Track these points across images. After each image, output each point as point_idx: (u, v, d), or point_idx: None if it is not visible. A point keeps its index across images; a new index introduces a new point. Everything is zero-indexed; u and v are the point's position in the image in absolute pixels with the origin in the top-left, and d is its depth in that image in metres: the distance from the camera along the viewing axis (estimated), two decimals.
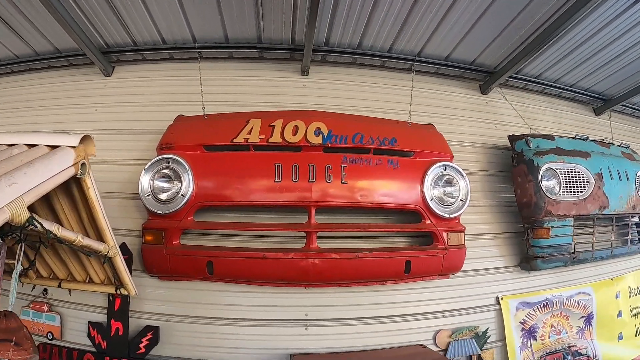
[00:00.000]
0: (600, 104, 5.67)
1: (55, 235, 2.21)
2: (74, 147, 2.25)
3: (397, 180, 3.72)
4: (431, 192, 3.76)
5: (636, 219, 5.23)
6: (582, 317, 4.84)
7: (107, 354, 3.71)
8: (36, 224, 1.96)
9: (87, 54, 4.16)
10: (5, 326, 2.35)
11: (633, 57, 4.73)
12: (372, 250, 3.63)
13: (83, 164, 2.31)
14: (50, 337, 3.86)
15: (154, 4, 3.66)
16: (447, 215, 3.80)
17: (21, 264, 2.56)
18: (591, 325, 4.91)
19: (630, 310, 5.38)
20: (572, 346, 4.68)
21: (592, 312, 4.92)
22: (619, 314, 5.23)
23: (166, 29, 4.05)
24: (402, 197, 3.71)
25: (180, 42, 4.28)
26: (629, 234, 5.12)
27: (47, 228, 2.09)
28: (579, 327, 4.82)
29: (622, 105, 5.80)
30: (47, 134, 2.31)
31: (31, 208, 1.91)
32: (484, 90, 4.82)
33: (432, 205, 3.74)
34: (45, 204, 2.71)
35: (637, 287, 5.57)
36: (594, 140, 4.99)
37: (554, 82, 5.17)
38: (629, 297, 5.41)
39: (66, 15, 3.60)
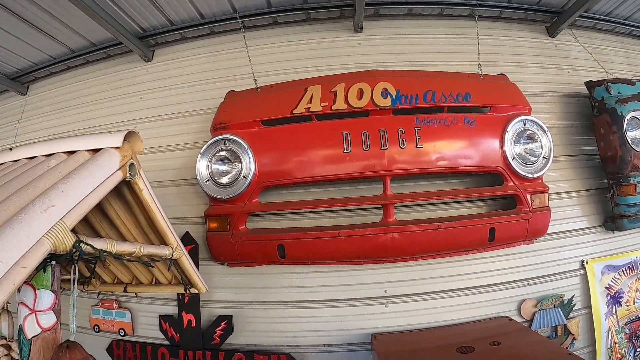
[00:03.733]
0: None
1: (110, 252, 2.02)
2: (118, 147, 2.02)
3: (476, 140, 3.42)
4: (512, 150, 3.46)
5: None
6: None
7: (181, 347, 3.66)
8: (84, 247, 1.74)
9: (124, 42, 4.04)
10: (69, 359, 2.02)
11: None
12: (454, 219, 3.39)
13: (132, 164, 2.08)
14: (123, 334, 3.82)
15: None
16: (530, 175, 3.50)
17: (81, 274, 2.37)
18: None
19: None
20: None
21: None
22: None
23: (203, 2, 3.83)
24: (482, 158, 3.42)
25: (219, 15, 4.03)
26: None
27: (99, 248, 1.90)
28: None
29: None
30: (86, 137, 2.10)
31: (81, 221, 1.71)
32: (551, 32, 4.41)
33: (514, 164, 3.45)
34: (98, 211, 2.52)
35: None
36: None
37: (625, 20, 4.70)
38: None
39: (95, 6, 3.47)
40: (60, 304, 2.03)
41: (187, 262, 2.95)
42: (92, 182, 1.80)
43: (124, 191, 2.38)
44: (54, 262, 1.96)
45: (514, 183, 3.49)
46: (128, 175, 2.06)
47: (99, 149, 2.01)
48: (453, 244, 3.43)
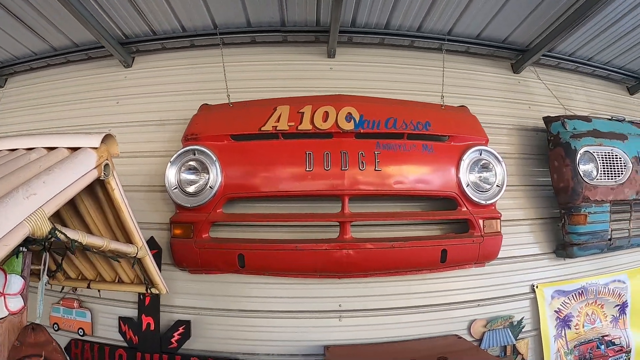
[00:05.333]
0: (635, 82, 5.51)
1: (80, 243, 2.16)
2: (95, 147, 2.18)
3: (432, 166, 3.65)
4: (467, 177, 3.69)
5: None
6: (617, 305, 4.77)
7: (139, 349, 3.74)
8: (59, 235, 1.89)
9: (106, 46, 4.14)
10: (34, 340, 2.23)
11: None
12: (407, 240, 3.59)
13: (106, 165, 2.24)
14: (82, 334, 3.90)
15: None
16: (483, 202, 3.73)
17: (48, 268, 2.52)
18: (625, 314, 4.83)
19: None
20: (606, 335, 4.63)
21: (626, 301, 4.84)
22: None
23: (185, 16, 3.99)
24: (437, 184, 3.64)
25: (200, 29, 4.21)
26: None
27: (71, 237, 2.03)
28: (613, 315, 4.75)
29: None
30: (66, 136, 2.26)
31: (54, 214, 1.86)
32: (516, 69, 4.70)
33: (468, 191, 3.68)
34: (70, 206, 2.65)
35: None
36: (630, 122, 4.85)
37: (587, 60, 5.02)
38: None
39: (81, 8, 3.57)
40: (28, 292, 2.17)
41: (150, 262, 3.09)
42: (70, 177, 1.97)
43: (97, 190, 2.54)
44: (25, 250, 2.10)
45: (467, 208, 3.71)
46: (102, 174, 2.21)
47: (78, 148, 2.17)
48: (406, 263, 3.63)
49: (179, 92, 4.23)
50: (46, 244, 1.96)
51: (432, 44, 4.38)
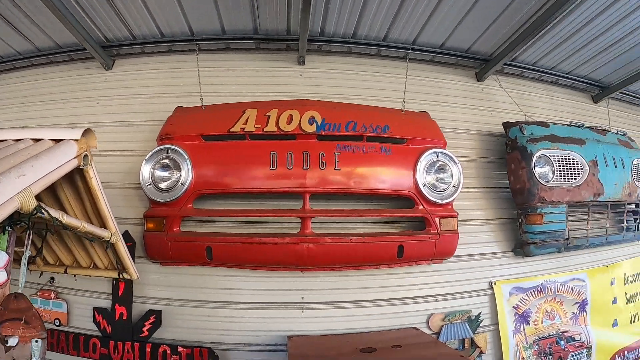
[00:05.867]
0: (599, 91, 5.83)
1: (60, 222, 2.46)
2: (76, 140, 2.51)
3: (390, 167, 3.94)
4: (424, 178, 3.97)
5: (632, 206, 5.39)
6: (576, 303, 5.05)
7: (112, 338, 3.98)
8: (43, 211, 2.21)
9: (88, 48, 4.38)
10: (16, 306, 2.54)
11: (631, 44, 4.86)
12: (365, 235, 3.87)
13: (85, 155, 2.58)
14: (58, 324, 4.13)
15: None
16: (439, 201, 4.01)
17: (29, 251, 2.81)
18: (585, 312, 5.12)
19: (626, 297, 5.59)
20: (566, 331, 4.91)
21: (586, 299, 5.13)
22: (614, 301, 5.44)
23: (164, 22, 4.27)
24: (394, 183, 3.93)
25: (178, 35, 4.49)
26: (625, 221, 5.32)
27: (53, 215, 2.35)
28: (573, 312, 5.03)
29: (621, 92, 5.95)
30: (51, 129, 2.60)
31: (38, 198, 2.16)
32: (479, 77, 5.00)
33: (425, 191, 3.95)
34: (51, 194, 2.98)
35: (633, 275, 5.77)
36: (590, 128, 5.16)
37: (550, 70, 5.33)
38: (625, 284, 5.61)
39: (65, 11, 3.80)
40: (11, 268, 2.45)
41: (122, 247, 3.43)
42: (54, 163, 2.32)
43: (76, 179, 2.88)
44: (11, 229, 2.37)
45: (424, 207, 3.99)
46: (82, 164, 2.55)
47: (61, 140, 2.49)
48: (364, 258, 3.91)
49: (156, 94, 4.50)
50: (30, 222, 2.30)
51: (397, 52, 4.69)
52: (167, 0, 3.89)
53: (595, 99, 5.86)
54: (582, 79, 5.62)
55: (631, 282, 5.71)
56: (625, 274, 5.63)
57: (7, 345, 2.34)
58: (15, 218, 2.29)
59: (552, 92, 5.47)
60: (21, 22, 4.17)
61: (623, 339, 5.37)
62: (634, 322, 5.58)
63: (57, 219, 2.41)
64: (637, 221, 5.45)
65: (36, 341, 2.49)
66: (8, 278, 2.41)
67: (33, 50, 4.72)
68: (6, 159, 2.15)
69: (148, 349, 3.92)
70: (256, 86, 4.46)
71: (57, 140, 2.49)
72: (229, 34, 4.47)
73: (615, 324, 5.36)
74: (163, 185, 3.88)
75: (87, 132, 2.58)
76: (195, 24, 4.31)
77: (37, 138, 2.51)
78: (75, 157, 2.48)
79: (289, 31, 4.38)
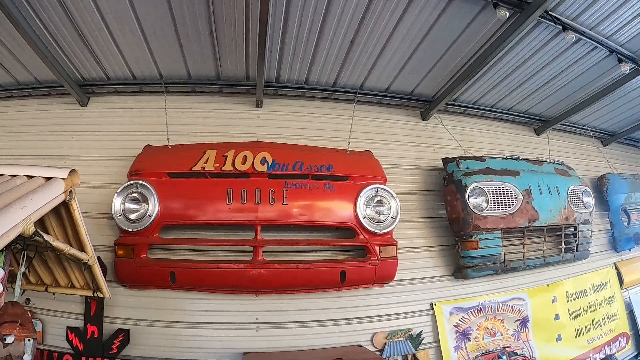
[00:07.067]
0: (541, 124, 6.55)
1: (51, 244, 3.09)
2: (64, 178, 3.12)
3: (333, 201, 4.63)
4: (364, 211, 4.63)
5: (571, 229, 6.06)
6: (517, 320, 5.71)
7: (84, 355, 4.50)
8: (41, 234, 2.85)
9: (65, 85, 4.91)
10: (13, 312, 3.30)
11: (565, 80, 5.63)
12: (310, 262, 4.53)
13: (70, 191, 3.20)
14: None
15: (124, 44, 4.48)
16: (378, 231, 4.68)
17: (24, 267, 3.41)
18: (527, 328, 5.78)
19: (569, 314, 6.27)
20: (508, 347, 5.54)
21: (527, 316, 5.79)
22: (557, 317, 6.11)
23: (136, 65, 4.90)
24: (337, 216, 4.61)
25: (148, 78, 5.14)
26: (562, 244, 5.98)
27: (46, 239, 2.99)
28: (515, 329, 5.68)
29: (562, 124, 6.68)
30: (42, 168, 3.20)
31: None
32: (424, 116, 5.72)
33: (365, 222, 4.62)
34: (39, 222, 3.56)
35: (576, 292, 6.45)
36: (526, 159, 5.89)
37: (491, 107, 6.08)
38: (567, 301, 6.30)
39: (45, 50, 4.28)
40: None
41: (97, 270, 3.98)
42: (47, 197, 2.93)
43: (61, 210, 3.46)
44: (7, 250, 3.00)
45: (364, 237, 4.65)
46: (67, 198, 3.14)
47: (51, 178, 3.09)
48: (310, 282, 4.55)
49: (127, 132, 5.09)
50: (25, 244, 3.00)
51: (347, 96, 5.39)
52: (139, 46, 4.50)
53: (538, 132, 6.61)
54: (522, 114, 6.37)
55: (574, 299, 6.40)
56: (567, 292, 6.33)
57: (5, 342, 3.01)
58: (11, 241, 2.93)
59: (495, 128, 6.20)
60: (3, 56, 4.61)
61: (569, 352, 6.02)
62: (579, 336, 6.25)
63: (49, 242, 3.03)
64: (576, 243, 6.11)
65: (29, 340, 3.15)
66: (4, 290, 3.07)
67: (14, 83, 5.17)
68: (9, 193, 2.77)
69: None
70: (218, 127, 5.13)
71: (48, 178, 3.08)
72: (194, 79, 5.15)
73: (559, 339, 6.02)
74: (132, 217, 4.47)
75: (72, 172, 3.18)
76: (164, 69, 4.98)
77: (30, 175, 3.11)
78: (62, 193, 3.09)
79: (248, 77, 5.09)
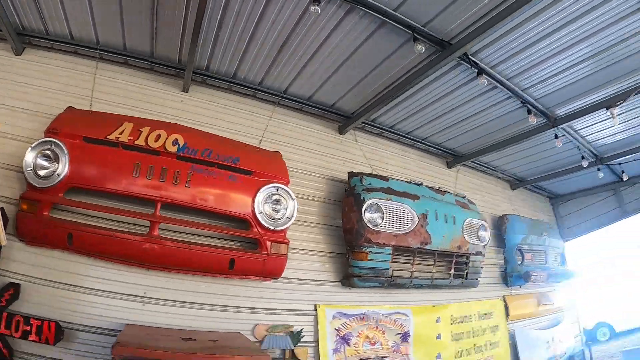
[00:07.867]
0: (452, 158, 7.23)
1: None
2: None
3: (233, 193, 5.09)
4: (261, 206, 5.11)
5: (463, 258, 6.72)
6: (399, 333, 6.28)
7: None
8: None
9: (3, 30, 4.85)
10: None
11: (480, 122, 6.27)
12: (203, 245, 4.95)
13: None
14: None
15: (69, 1, 4.62)
16: (272, 228, 5.17)
17: None
18: (408, 342, 6.35)
19: (452, 335, 6.94)
20: (386, 357, 6.06)
21: (409, 331, 6.37)
22: (438, 337, 6.76)
23: (75, 26, 5.03)
24: (235, 206, 5.07)
25: (85, 41, 5.31)
26: (452, 269, 6.63)
27: None
28: (395, 342, 6.23)
29: (474, 162, 7.39)
30: None
31: None
32: (341, 131, 6.30)
33: (260, 217, 5.10)
34: None
35: (461, 317, 7.13)
36: (429, 187, 6.51)
37: (407, 134, 6.74)
38: (451, 323, 6.98)
39: None
40: None
41: None
42: None
43: None
44: None
45: (258, 230, 5.11)
46: None
47: None
48: (200, 264, 4.94)
49: (54, 89, 5.20)
50: None
51: (271, 97, 5.88)
52: (82, 8, 4.65)
53: (449, 165, 7.32)
54: (437, 146, 7.05)
55: (458, 322, 7.08)
56: (452, 315, 7.00)
57: None
58: None
59: (407, 154, 6.88)
60: None
61: None
62: (459, 357, 6.89)
63: None
64: (466, 271, 6.78)
65: None
66: None
67: None
68: None
69: (3, 318, 4.48)
70: (142, 102, 5.45)
71: None
72: (129, 51, 5.43)
73: (439, 357, 6.64)
74: (42, 173, 4.62)
75: None
76: (102, 36, 5.18)
77: None
78: None
79: (180, 61, 5.49)
